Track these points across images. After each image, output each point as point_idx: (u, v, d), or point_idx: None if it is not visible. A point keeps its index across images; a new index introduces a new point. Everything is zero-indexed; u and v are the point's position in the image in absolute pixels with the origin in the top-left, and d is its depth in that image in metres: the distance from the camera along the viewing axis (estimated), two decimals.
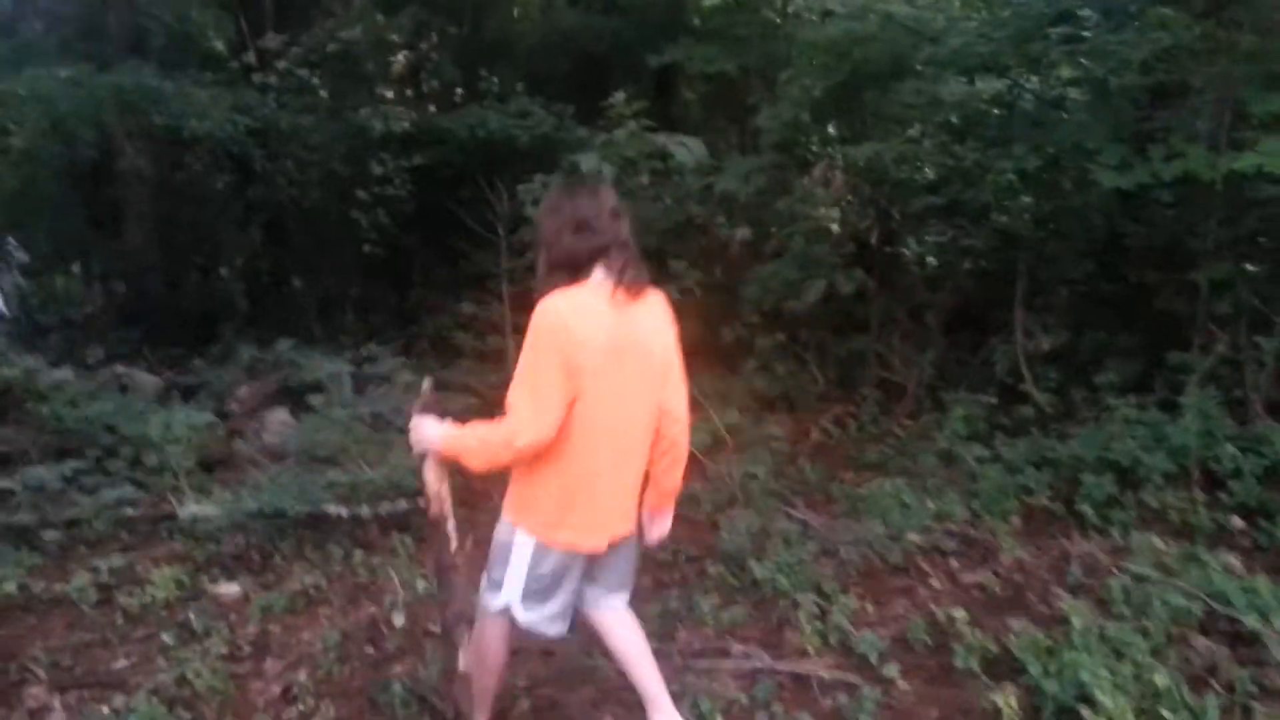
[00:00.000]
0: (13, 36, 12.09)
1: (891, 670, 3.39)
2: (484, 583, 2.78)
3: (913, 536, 4.49)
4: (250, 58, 9.65)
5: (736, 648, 3.70)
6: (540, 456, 2.47)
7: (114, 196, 11.39)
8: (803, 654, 3.62)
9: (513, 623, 2.69)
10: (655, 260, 7.33)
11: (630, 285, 2.49)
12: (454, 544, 2.74)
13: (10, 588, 4.25)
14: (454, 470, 2.71)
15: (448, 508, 2.72)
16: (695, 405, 6.99)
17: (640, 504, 2.80)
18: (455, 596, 2.75)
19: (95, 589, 4.35)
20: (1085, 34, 5.71)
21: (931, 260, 5.99)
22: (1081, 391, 5.65)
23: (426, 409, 2.68)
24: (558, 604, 2.66)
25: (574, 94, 9.50)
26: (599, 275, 2.49)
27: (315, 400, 6.79)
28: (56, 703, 3.51)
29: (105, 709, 3.42)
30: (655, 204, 7.26)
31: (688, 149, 6.37)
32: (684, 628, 3.93)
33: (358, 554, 4.85)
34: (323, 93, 9.34)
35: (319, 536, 5.06)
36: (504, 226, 7.86)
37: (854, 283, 6.46)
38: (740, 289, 7.16)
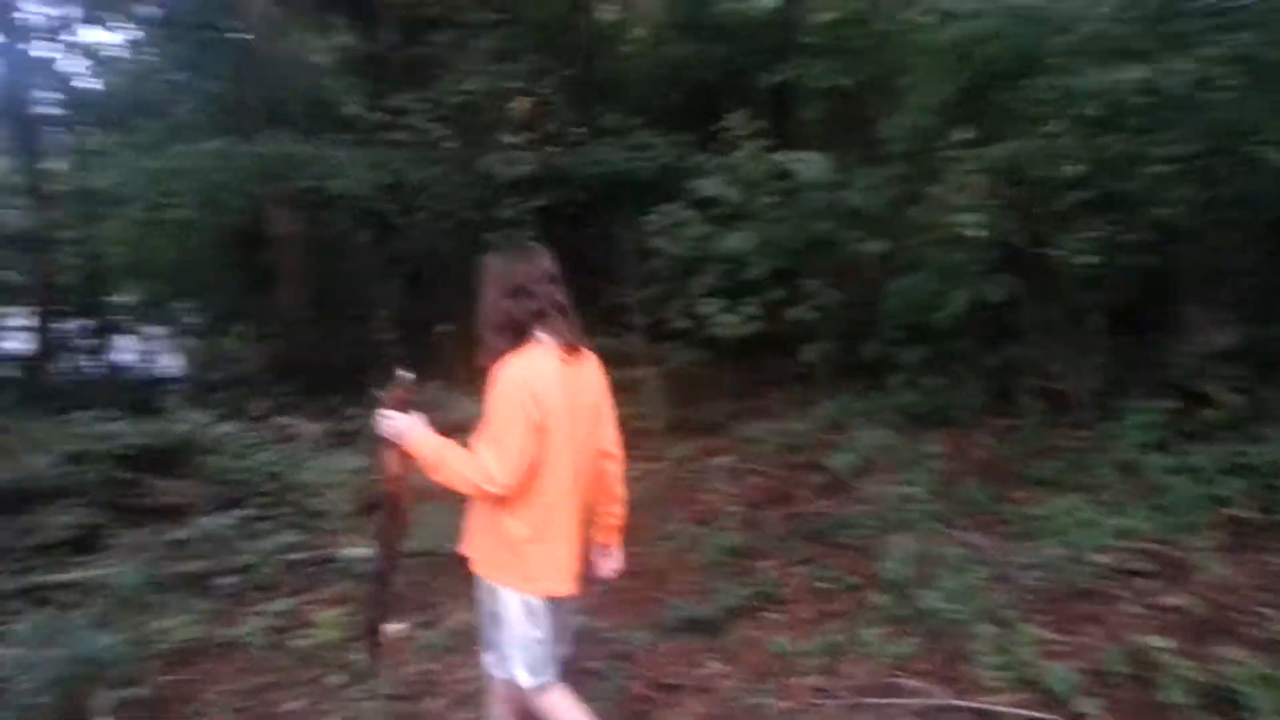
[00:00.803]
0: (164, 118, 13.03)
1: (1088, 705, 3.13)
2: (491, 660, 2.95)
3: (1097, 557, 4.18)
4: (381, 116, 10.05)
5: (910, 683, 3.51)
6: (511, 512, 2.68)
7: (267, 259, 12.04)
8: (984, 689, 3.38)
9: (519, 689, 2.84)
10: (786, 281, 7.23)
11: (570, 345, 2.71)
12: (403, 520, 3.04)
13: (188, 634, 4.42)
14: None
15: (405, 488, 2.93)
16: (838, 427, 6.87)
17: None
18: (384, 563, 3.10)
19: (265, 632, 4.49)
20: (1231, 6, 5.28)
21: (1087, 259, 5.61)
22: (1269, 390, 5.17)
23: (403, 402, 2.80)
24: (549, 653, 2.81)
25: (690, 123, 9.50)
26: (543, 337, 2.68)
27: (463, 439, 6.88)
28: None
29: None
30: (781, 224, 7.13)
31: (810, 165, 6.20)
32: (848, 661, 3.76)
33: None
34: (449, 144, 9.63)
35: (468, 574, 5.09)
36: (632, 259, 7.89)
37: (1002, 289, 6.13)
38: (878, 304, 6.93)
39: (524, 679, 2.79)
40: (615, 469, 3.00)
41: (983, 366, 6.64)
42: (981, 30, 6.06)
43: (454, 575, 5.04)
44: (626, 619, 4.53)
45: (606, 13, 13.17)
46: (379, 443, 2.88)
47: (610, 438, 2.96)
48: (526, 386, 2.59)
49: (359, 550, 5.29)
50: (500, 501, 2.66)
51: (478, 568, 2.85)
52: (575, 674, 3.93)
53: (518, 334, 2.69)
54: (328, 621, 4.58)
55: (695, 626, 4.26)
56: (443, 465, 2.65)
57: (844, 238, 6.87)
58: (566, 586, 2.78)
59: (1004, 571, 4.21)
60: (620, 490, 3.04)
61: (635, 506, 6.00)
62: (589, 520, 2.94)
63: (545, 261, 2.77)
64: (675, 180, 8.78)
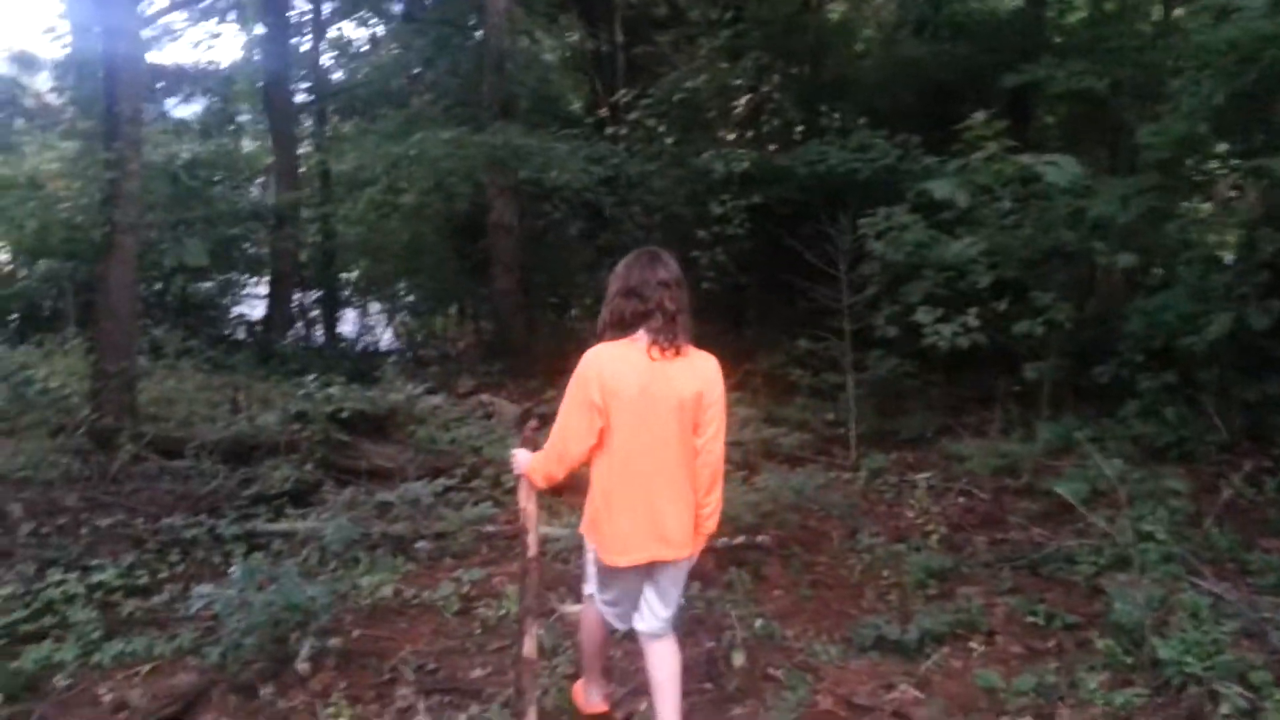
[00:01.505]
0: (404, 107, 13.85)
1: None
2: (585, 574, 3.36)
3: None
4: (604, 112, 10.24)
5: None
6: (595, 478, 3.04)
7: (485, 246, 12.55)
8: None
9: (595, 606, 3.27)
10: (1014, 292, 6.74)
11: (664, 344, 2.92)
12: (533, 550, 3.26)
13: (387, 591, 4.58)
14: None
15: (532, 523, 3.25)
16: (1061, 452, 6.33)
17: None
18: (528, 594, 3.29)
19: (458, 599, 4.59)
20: None
21: None
22: None
23: (527, 442, 3.25)
24: (614, 600, 3.20)
25: (919, 124, 9.10)
26: (641, 334, 2.95)
27: None
28: (421, 705, 3.68)
29: (463, 716, 3.53)
30: (1014, 232, 6.65)
31: (1060, 169, 5.70)
32: (1065, 706, 3.40)
33: (694, 585, 4.75)
34: (668, 140, 9.68)
35: None
36: (845, 262, 7.61)
37: (1269, 316, 5.43)
38: (1119, 323, 6.33)
39: (585, 587, 3.33)
40: (708, 474, 3.08)
41: (1236, 399, 5.91)
42: (1270, 29, 5.38)
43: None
44: (814, 630, 4.32)
45: (835, 12, 12.92)
46: (515, 480, 3.32)
47: (710, 439, 3.06)
48: (595, 369, 2.91)
49: (548, 529, 5.32)
50: (592, 476, 3.04)
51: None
52: (757, 679, 3.79)
53: (622, 328, 2.97)
54: (514, 595, 4.62)
55: (889, 647, 3.99)
56: (540, 468, 3.07)
57: (1088, 250, 6.30)
58: (625, 559, 3.02)
59: (1255, 627, 3.69)
60: (712, 499, 3.12)
61: (826, 514, 5.84)
62: (693, 510, 3.08)
63: (663, 269, 2.98)
64: (896, 182, 8.43)
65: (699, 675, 3.85)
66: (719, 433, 3.06)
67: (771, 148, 9.22)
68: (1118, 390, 6.68)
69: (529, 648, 3.25)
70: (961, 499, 6.15)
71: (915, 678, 3.73)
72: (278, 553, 5.17)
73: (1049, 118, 11.32)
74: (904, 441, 7.81)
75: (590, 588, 3.27)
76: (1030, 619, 4.17)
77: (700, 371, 3.03)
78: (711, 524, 3.16)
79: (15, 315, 12.87)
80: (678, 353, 2.96)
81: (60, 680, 3.63)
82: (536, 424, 3.30)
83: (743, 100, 9.30)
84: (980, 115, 6.12)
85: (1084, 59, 8.25)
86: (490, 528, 5.47)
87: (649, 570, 3.09)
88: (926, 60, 9.92)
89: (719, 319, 10.91)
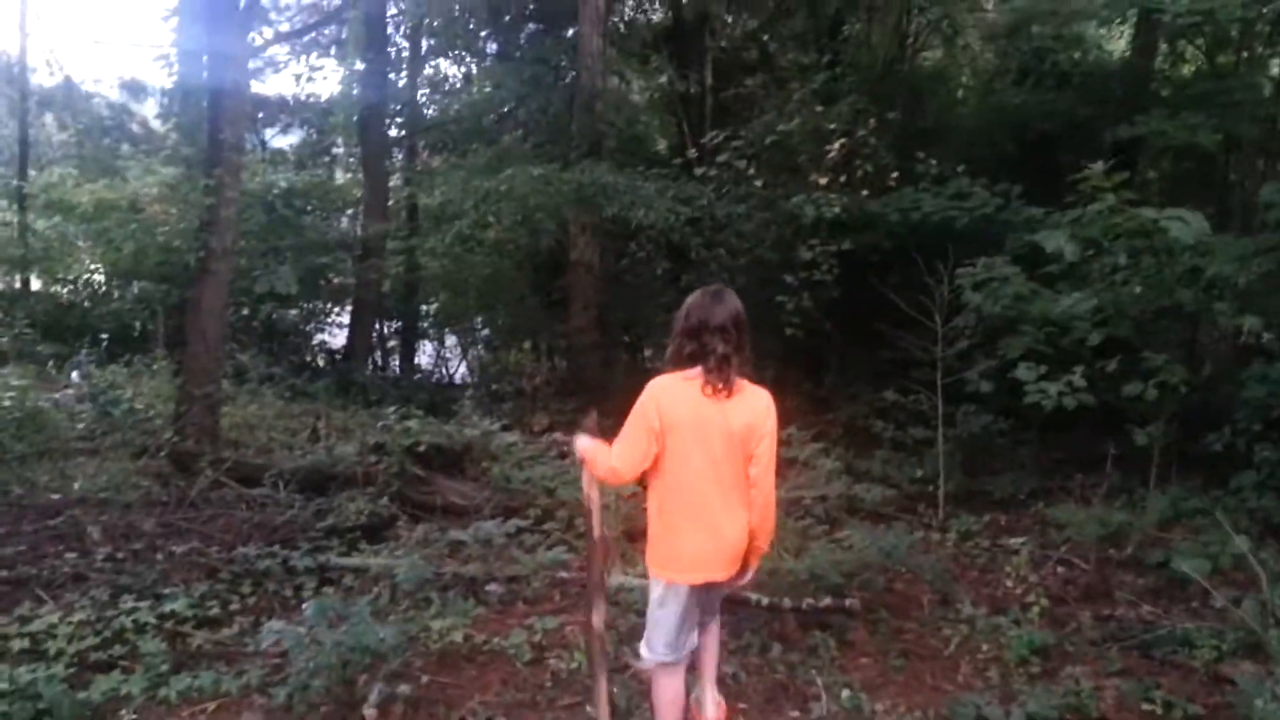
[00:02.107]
0: (494, 144, 14.01)
1: None
2: (642, 644, 3.47)
3: None
4: (692, 153, 10.16)
5: None
6: (649, 506, 3.31)
7: (564, 284, 12.55)
8: None
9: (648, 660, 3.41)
10: (1122, 352, 6.38)
11: (717, 385, 3.13)
12: (597, 530, 3.46)
13: (457, 637, 4.43)
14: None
15: (596, 505, 3.45)
16: (1171, 524, 5.92)
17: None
18: (594, 570, 3.52)
19: (529, 647, 4.41)
20: None
21: None
22: None
23: (589, 429, 3.41)
24: (675, 629, 3.32)
25: (1018, 174, 8.79)
26: (699, 370, 3.16)
27: None
28: None
29: None
30: (1124, 289, 6.30)
31: (1186, 224, 5.36)
32: None
33: (775, 647, 4.53)
34: (757, 183, 9.55)
35: (735, 622, 4.80)
36: (941, 312, 7.33)
37: None
38: (1231, 388, 5.93)
39: (645, 654, 3.41)
40: (762, 501, 3.29)
41: None
42: None
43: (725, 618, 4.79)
44: (905, 705, 4.03)
45: (929, 60, 12.70)
46: (579, 465, 3.51)
47: (761, 470, 3.26)
48: (655, 399, 3.15)
49: (627, 579, 5.14)
50: (649, 504, 3.31)
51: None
52: None
53: (684, 363, 3.20)
54: (584, 651, 4.44)
55: None
56: (593, 460, 3.29)
57: (1207, 311, 5.92)
58: (683, 577, 3.24)
59: None
60: (764, 523, 3.33)
61: (915, 577, 5.53)
62: (733, 540, 3.28)
63: (721, 311, 3.17)
64: (994, 233, 8.14)
65: None
66: (770, 465, 3.28)
67: (863, 194, 8.98)
68: (1229, 460, 6.25)
69: (597, 620, 3.47)
70: (1061, 568, 5.78)
71: None
72: (349, 588, 5.08)
73: (1151, 173, 10.89)
74: (995, 503, 7.44)
75: (647, 650, 3.41)
76: (1146, 706, 3.82)
77: (751, 405, 3.23)
78: (765, 545, 3.42)
79: (106, 335, 13.27)
80: (730, 393, 3.17)
81: (126, 715, 3.55)
82: (596, 416, 3.48)
83: (836, 145, 9.10)
84: (1099, 166, 5.81)
85: (1197, 112, 7.87)
86: (564, 574, 5.30)
87: (705, 588, 3.34)
88: (1028, 109, 9.64)
89: (800, 366, 10.67)
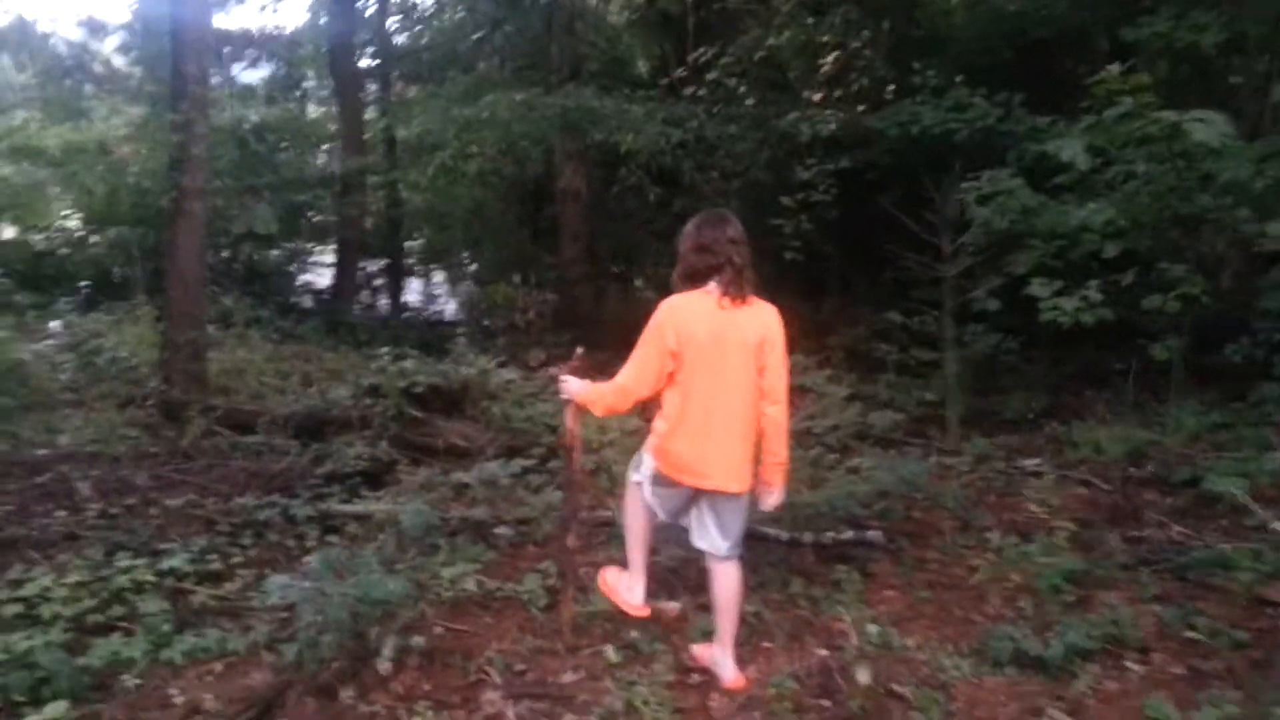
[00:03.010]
0: (470, 71, 13.51)
1: None
2: (631, 464, 3.66)
3: None
4: (680, 73, 9.77)
5: None
6: (660, 416, 3.38)
7: (552, 214, 12.22)
8: None
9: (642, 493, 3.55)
10: (1140, 263, 6.18)
11: (733, 294, 3.27)
12: (576, 465, 3.75)
13: (469, 584, 4.27)
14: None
15: (578, 441, 3.72)
16: (1197, 437, 5.79)
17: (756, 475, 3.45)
18: (572, 500, 3.84)
19: (544, 592, 4.26)
20: None
21: None
22: None
23: (574, 371, 3.55)
24: (663, 497, 3.49)
25: (1019, 83, 8.47)
26: (712, 285, 3.28)
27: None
28: (510, 712, 3.37)
29: None
30: (1140, 199, 6.07)
31: (1209, 126, 5.10)
32: None
33: (796, 582, 4.40)
34: (748, 102, 9.18)
35: (753, 558, 4.65)
36: (945, 229, 7.09)
37: None
38: (1249, 298, 5.75)
39: (633, 475, 3.58)
40: (774, 413, 3.40)
41: None
42: None
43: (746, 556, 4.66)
44: (937, 639, 3.91)
45: None
46: (563, 404, 3.63)
47: (774, 380, 3.38)
48: (670, 317, 3.26)
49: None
50: (664, 404, 3.35)
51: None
52: (881, 696, 3.41)
53: (695, 281, 3.31)
54: (601, 594, 4.29)
55: (1029, 663, 3.56)
56: (599, 397, 3.40)
57: (1229, 218, 5.70)
58: (682, 478, 3.37)
59: None
60: (780, 431, 3.41)
61: (933, 504, 5.40)
62: (752, 448, 3.41)
63: (730, 228, 3.32)
64: (997, 144, 7.87)
65: (813, 689, 3.47)
66: (782, 375, 3.41)
67: (859, 109, 8.65)
68: (1248, 371, 6.11)
69: (572, 540, 3.80)
70: (1083, 489, 5.65)
71: (1066, 702, 3.29)
72: (353, 536, 4.92)
73: (1145, 78, 10.54)
74: (1007, 424, 7.32)
75: (638, 476, 3.54)
76: (1189, 634, 3.71)
77: (762, 318, 3.36)
78: (784, 454, 3.44)
79: (86, 283, 12.89)
80: (745, 301, 3.30)
81: (129, 679, 3.38)
82: (582, 353, 3.67)
83: (829, 59, 8.73)
84: (1115, 68, 5.52)
85: (1207, 11, 7.54)
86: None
87: (710, 497, 3.41)
88: (1025, 15, 9.25)
89: (798, 291, 10.41)
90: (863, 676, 3.46)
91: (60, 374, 7.77)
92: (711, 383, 3.27)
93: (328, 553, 4.02)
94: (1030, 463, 6.24)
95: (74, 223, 13.95)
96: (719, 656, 3.55)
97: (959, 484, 5.82)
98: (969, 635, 3.91)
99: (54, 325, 9.50)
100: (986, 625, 3.97)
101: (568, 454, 3.71)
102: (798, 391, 7.09)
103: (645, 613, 3.73)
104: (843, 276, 10.09)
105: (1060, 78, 7.21)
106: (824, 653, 3.77)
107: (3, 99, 15.44)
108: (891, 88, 8.69)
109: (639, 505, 3.59)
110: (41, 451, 5.65)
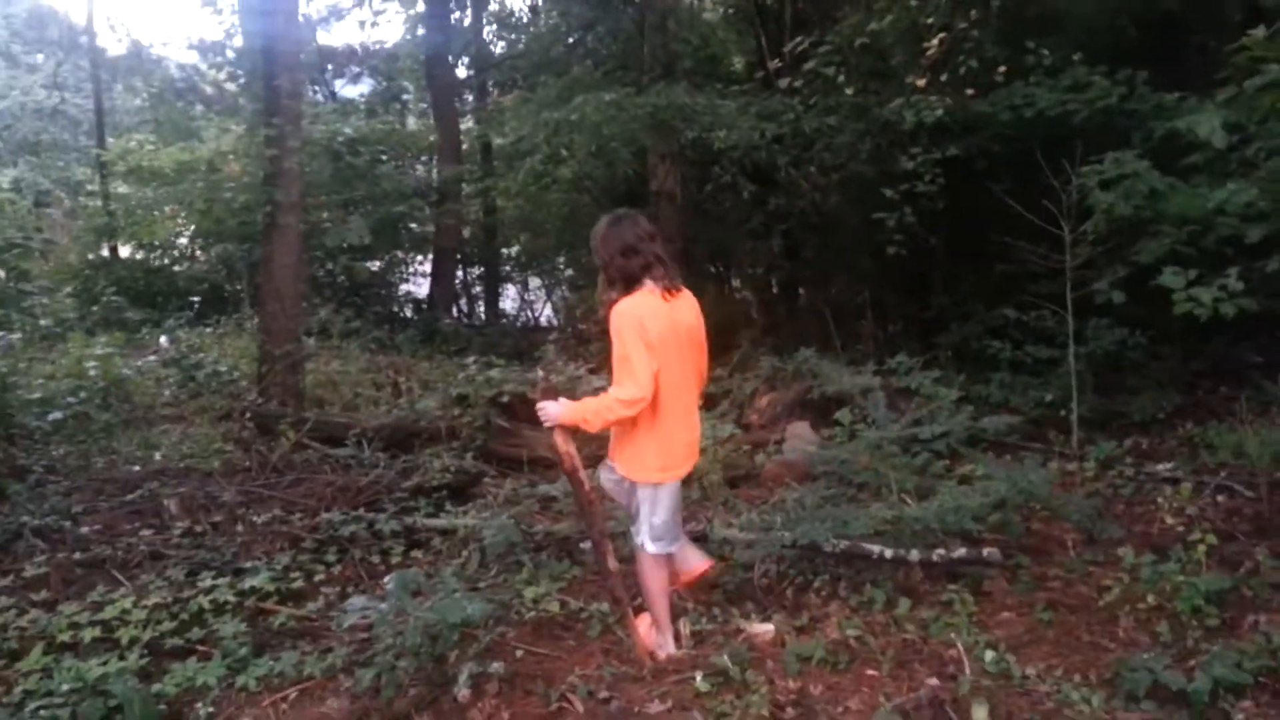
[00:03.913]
0: (564, 75, 13.43)
1: None
2: (632, 532, 3.70)
3: None
4: (776, 64, 9.42)
5: None
6: (639, 421, 3.40)
7: (647, 217, 11.99)
8: None
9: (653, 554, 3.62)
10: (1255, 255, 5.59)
11: (671, 288, 3.44)
12: (587, 485, 3.55)
13: (552, 605, 4.08)
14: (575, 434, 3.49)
15: (578, 461, 3.49)
16: None
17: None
18: (597, 522, 3.62)
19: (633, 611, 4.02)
20: None
21: None
22: None
23: (547, 394, 3.48)
24: (668, 523, 3.58)
25: (1141, 60, 7.83)
26: (648, 283, 3.41)
27: (842, 416, 6.14)
28: None
29: None
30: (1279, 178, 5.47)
31: None
32: None
33: (903, 603, 4.06)
34: (848, 91, 8.76)
35: (855, 576, 4.36)
36: (1066, 217, 6.57)
37: None
38: None
39: (651, 548, 3.60)
40: (703, 385, 3.79)
41: None
42: None
43: (830, 574, 4.34)
44: (1061, 667, 3.52)
45: None
46: (546, 431, 3.53)
47: (703, 364, 3.71)
48: (637, 317, 3.30)
49: (731, 531, 4.71)
50: (635, 421, 3.40)
51: (624, 471, 3.58)
52: None
53: (630, 284, 3.41)
54: (694, 616, 4.05)
55: (1170, 697, 3.15)
56: (595, 414, 3.33)
57: None
58: (677, 473, 3.55)
59: None
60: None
61: (1055, 516, 4.96)
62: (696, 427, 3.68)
63: (641, 225, 3.47)
64: (1118, 126, 7.27)
65: None
66: (706, 355, 3.73)
67: (968, 93, 8.13)
68: None
69: (613, 564, 3.62)
70: (1223, 497, 5.11)
71: None
72: (437, 552, 4.80)
73: None
74: (1134, 425, 6.74)
75: (642, 535, 3.59)
76: None
77: (690, 303, 3.60)
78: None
79: (196, 298, 13.32)
80: (679, 293, 3.50)
81: (203, 708, 3.29)
82: (550, 375, 3.84)
83: (934, 41, 8.24)
84: (1259, 32, 4.96)
85: None
86: None
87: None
88: None
89: (902, 288, 9.95)
90: (979, 713, 3.12)
91: (164, 389, 7.94)
92: (679, 375, 3.44)
93: (404, 573, 3.89)
94: (1163, 468, 5.71)
95: (184, 240, 14.46)
96: (683, 552, 3.85)
97: (1083, 493, 5.35)
98: (1098, 664, 3.52)
99: (163, 340, 9.78)
100: (1118, 653, 3.57)
101: (572, 478, 3.54)
102: (904, 394, 6.71)
103: (679, 652, 3.76)
104: (950, 271, 9.54)
105: (1187, 52, 6.58)
106: (934, 682, 3.44)
107: (120, 123, 16.17)
108: (1002, 69, 8.11)
109: (655, 569, 3.65)
110: (135, 468, 5.72)
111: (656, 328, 3.31)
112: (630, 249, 3.38)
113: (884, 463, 5.21)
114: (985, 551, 4.26)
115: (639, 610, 3.83)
